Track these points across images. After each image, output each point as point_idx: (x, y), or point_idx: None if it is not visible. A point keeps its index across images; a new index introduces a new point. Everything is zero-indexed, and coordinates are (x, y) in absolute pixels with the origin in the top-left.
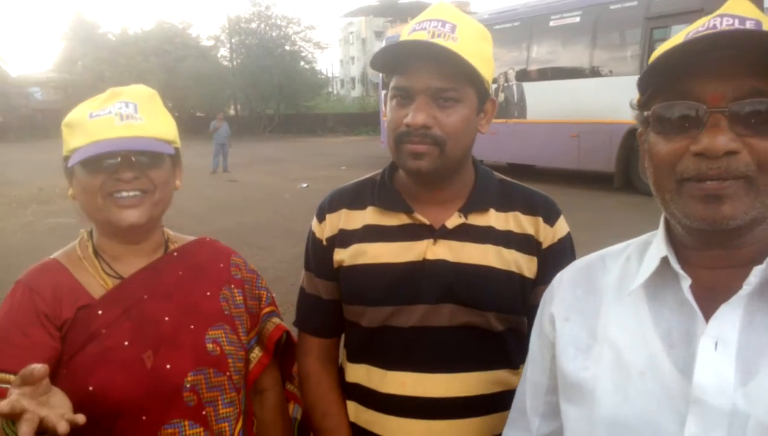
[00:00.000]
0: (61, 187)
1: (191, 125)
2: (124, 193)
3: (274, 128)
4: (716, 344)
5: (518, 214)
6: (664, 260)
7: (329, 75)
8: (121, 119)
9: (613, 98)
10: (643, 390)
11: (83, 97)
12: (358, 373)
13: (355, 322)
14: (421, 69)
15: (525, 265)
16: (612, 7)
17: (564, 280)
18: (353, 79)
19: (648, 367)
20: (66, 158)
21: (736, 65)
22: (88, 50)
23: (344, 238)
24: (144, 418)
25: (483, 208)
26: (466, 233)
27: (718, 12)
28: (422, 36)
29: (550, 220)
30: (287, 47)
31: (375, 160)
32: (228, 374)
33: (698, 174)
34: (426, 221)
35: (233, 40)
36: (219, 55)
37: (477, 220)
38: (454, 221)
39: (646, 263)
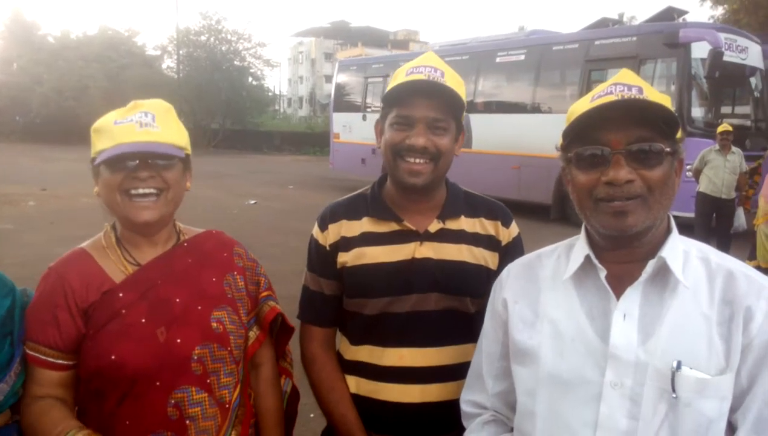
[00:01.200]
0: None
1: None
2: (141, 190)
3: (219, 143)
4: (624, 316)
5: (483, 219)
6: (587, 257)
7: (277, 93)
8: (140, 126)
9: (553, 134)
10: (573, 352)
11: (18, 99)
12: (360, 353)
13: (357, 312)
14: (421, 103)
15: (490, 259)
16: (555, 48)
17: (511, 273)
18: (301, 99)
19: (577, 335)
20: (93, 159)
21: (627, 120)
22: (26, 51)
23: (346, 243)
24: (157, 384)
25: (456, 216)
26: (444, 236)
27: (612, 81)
28: (420, 77)
29: (507, 223)
30: (236, 62)
31: (322, 181)
32: (229, 348)
33: (608, 196)
34: (412, 227)
35: (181, 52)
36: (165, 66)
37: (452, 224)
38: (435, 226)
39: (572, 260)
